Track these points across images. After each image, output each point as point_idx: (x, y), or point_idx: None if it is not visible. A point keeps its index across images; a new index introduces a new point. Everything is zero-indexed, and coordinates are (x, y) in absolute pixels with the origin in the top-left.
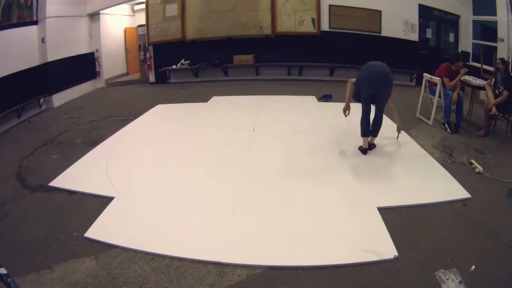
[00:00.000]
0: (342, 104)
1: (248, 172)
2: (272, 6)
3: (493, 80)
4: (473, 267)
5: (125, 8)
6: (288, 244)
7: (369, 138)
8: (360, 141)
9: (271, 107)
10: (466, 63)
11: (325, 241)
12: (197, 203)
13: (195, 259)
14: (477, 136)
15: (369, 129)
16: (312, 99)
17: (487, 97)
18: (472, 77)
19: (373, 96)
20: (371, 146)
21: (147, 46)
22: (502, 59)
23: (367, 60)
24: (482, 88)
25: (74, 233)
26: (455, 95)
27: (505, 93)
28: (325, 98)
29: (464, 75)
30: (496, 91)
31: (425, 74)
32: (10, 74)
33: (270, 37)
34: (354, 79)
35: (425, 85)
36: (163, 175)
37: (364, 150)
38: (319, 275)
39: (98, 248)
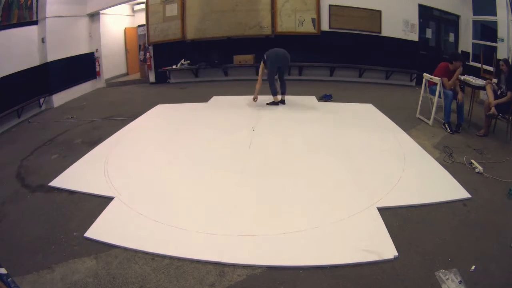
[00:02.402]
0: (343, 105)
1: (248, 171)
2: (272, 6)
3: (496, 80)
4: (473, 267)
5: (125, 8)
6: (288, 244)
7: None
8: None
9: (271, 107)
10: (466, 63)
11: (325, 241)
12: (197, 202)
13: (195, 259)
14: (477, 136)
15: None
16: (312, 99)
17: (487, 97)
18: (472, 77)
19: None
20: (283, 102)
21: (147, 46)
22: (505, 60)
23: (367, 60)
24: (482, 88)
25: (74, 233)
26: (459, 96)
27: (509, 93)
28: (325, 98)
29: (460, 73)
30: (498, 92)
31: (425, 74)
32: (10, 74)
33: (270, 37)
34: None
35: (425, 85)
36: (163, 174)
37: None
38: (319, 275)
39: (98, 248)
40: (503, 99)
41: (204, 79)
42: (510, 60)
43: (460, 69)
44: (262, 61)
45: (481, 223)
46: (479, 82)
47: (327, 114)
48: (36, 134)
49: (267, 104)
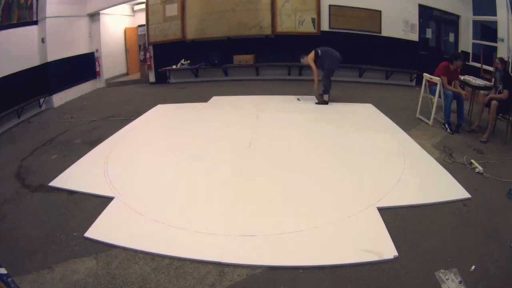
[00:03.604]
0: (343, 105)
1: (248, 171)
2: (272, 6)
3: (493, 80)
4: (473, 267)
5: (125, 8)
6: (288, 244)
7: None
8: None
9: (271, 107)
10: (466, 63)
11: (325, 241)
12: (197, 202)
13: (195, 259)
14: (477, 136)
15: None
16: (312, 99)
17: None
18: (472, 77)
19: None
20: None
21: (147, 46)
22: (500, 59)
23: (367, 60)
24: (482, 88)
25: (74, 233)
26: (463, 93)
27: (506, 92)
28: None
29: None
30: (496, 93)
31: (425, 74)
32: (10, 74)
33: (270, 37)
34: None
35: (425, 85)
36: (163, 174)
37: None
38: (319, 275)
39: (98, 248)
40: (499, 96)
41: (204, 79)
42: (509, 59)
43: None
44: (314, 53)
45: (481, 223)
46: (479, 82)
47: (327, 114)
48: (36, 134)
49: (316, 103)
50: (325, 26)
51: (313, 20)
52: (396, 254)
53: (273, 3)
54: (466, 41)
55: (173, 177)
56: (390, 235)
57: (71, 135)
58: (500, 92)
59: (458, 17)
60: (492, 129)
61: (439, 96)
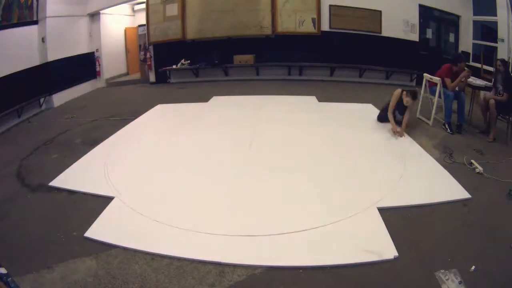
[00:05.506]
0: (343, 105)
1: (248, 172)
2: (272, 6)
3: (493, 80)
4: (473, 267)
5: (125, 8)
6: (288, 244)
7: None
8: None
9: (271, 107)
10: (467, 63)
11: (325, 241)
12: (197, 202)
13: (195, 259)
14: (477, 136)
15: None
16: (312, 99)
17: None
18: (472, 77)
19: None
20: None
21: (147, 46)
22: (502, 60)
23: (367, 60)
24: (483, 88)
25: (74, 233)
26: (467, 70)
27: (505, 95)
28: None
29: (466, 76)
30: (496, 95)
31: (425, 74)
32: (10, 74)
33: (270, 37)
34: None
35: (425, 85)
36: (163, 174)
37: None
38: (319, 275)
39: (98, 248)
40: (499, 98)
41: (204, 79)
42: (510, 60)
43: (469, 70)
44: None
45: (481, 223)
46: (479, 82)
47: (327, 114)
48: (36, 134)
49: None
50: (325, 26)
51: (313, 20)
52: (396, 254)
53: (273, 3)
54: (467, 41)
55: (173, 177)
56: (390, 235)
57: (71, 135)
58: (499, 94)
59: (458, 17)
60: (494, 124)
61: (439, 96)
